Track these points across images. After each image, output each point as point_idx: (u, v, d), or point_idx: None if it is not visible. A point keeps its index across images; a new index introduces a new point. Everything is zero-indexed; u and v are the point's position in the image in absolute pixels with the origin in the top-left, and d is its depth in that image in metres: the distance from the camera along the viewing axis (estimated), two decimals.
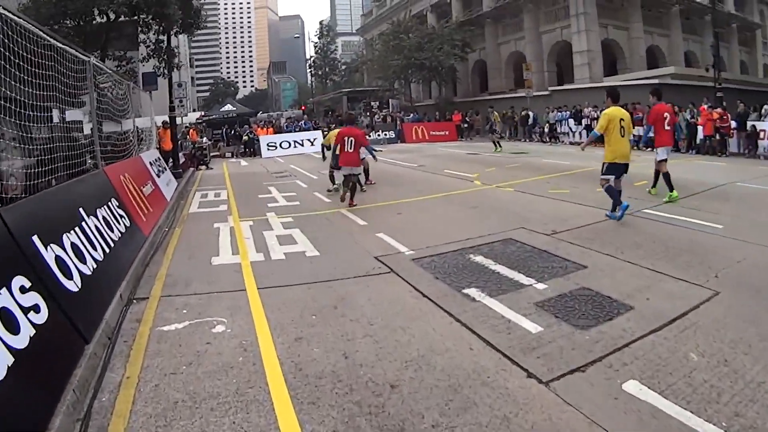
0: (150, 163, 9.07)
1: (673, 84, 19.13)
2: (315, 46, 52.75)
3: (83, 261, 3.61)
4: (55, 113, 5.25)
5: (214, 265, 4.99)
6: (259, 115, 35.02)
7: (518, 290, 3.87)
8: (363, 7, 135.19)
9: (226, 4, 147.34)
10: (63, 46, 4.99)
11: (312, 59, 52.90)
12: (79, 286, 3.30)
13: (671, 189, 6.94)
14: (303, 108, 43.62)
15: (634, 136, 15.06)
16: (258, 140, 21.07)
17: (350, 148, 7.49)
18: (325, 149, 9.73)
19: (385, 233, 5.79)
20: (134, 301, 4.04)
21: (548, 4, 26.02)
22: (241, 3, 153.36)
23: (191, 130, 20.41)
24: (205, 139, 20.05)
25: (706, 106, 14.77)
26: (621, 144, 5.86)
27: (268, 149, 20.40)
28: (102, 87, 7.06)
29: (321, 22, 57.39)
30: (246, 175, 13.65)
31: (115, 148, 7.85)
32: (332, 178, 9.05)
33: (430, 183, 9.72)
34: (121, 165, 6.97)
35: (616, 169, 5.94)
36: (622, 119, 5.83)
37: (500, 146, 16.79)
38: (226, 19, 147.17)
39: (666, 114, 7.19)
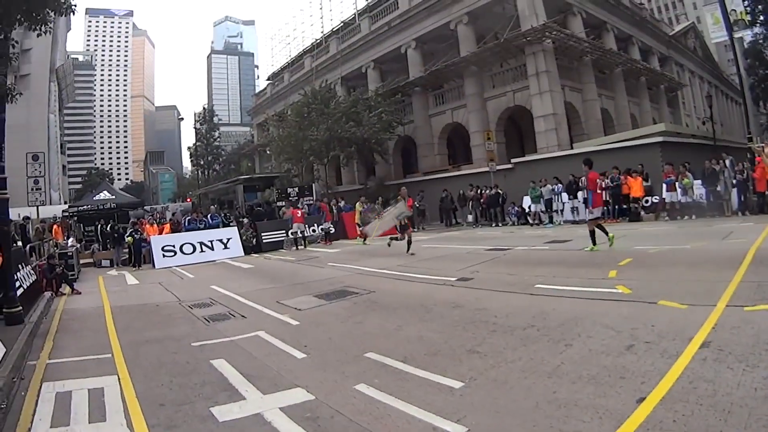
0: None
1: (671, 142, 16.02)
2: (197, 133, 46.79)
3: None
4: None
5: None
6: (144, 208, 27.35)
7: None
8: (241, 99, 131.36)
9: (102, 91, 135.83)
10: None
11: (194, 146, 46.37)
12: None
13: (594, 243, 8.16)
14: (189, 200, 38.37)
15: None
16: (148, 243, 14.69)
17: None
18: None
19: None
20: None
21: (493, 66, 22.45)
22: (117, 91, 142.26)
23: (55, 226, 15.74)
24: (71, 240, 14.56)
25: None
26: None
27: (165, 256, 14.15)
28: None
29: (204, 107, 52.45)
30: (145, 314, 6.96)
31: None
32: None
33: (591, 343, 3.15)
34: None
35: None
36: None
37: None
38: (101, 107, 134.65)
39: (598, 180, 9.11)
